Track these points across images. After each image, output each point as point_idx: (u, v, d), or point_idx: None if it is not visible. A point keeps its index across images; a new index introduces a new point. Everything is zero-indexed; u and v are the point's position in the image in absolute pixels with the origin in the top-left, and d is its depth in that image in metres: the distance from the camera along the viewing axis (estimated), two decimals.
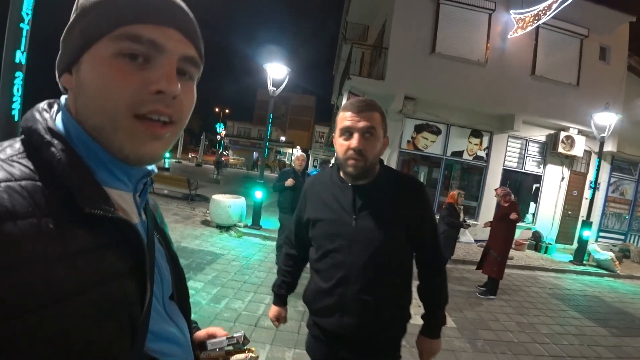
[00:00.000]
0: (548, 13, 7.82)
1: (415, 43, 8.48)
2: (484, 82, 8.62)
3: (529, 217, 9.88)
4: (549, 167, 9.72)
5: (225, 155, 35.17)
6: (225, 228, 7.10)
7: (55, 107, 0.51)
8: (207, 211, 8.09)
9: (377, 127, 1.24)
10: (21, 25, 2.40)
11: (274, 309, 1.64)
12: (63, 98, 0.52)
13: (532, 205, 9.87)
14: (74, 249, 0.40)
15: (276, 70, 7.23)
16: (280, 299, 1.64)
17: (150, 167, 0.56)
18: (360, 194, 1.30)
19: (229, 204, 7.12)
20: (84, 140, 0.47)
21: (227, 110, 45.74)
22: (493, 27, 8.81)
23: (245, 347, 0.80)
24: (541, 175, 9.77)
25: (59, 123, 0.49)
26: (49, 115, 0.48)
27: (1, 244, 0.34)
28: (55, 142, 0.44)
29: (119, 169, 0.50)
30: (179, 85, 0.48)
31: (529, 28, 8.40)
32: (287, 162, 34.64)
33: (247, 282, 4.42)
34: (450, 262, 6.18)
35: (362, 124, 1.22)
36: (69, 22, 0.48)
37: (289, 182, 4.91)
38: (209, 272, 4.61)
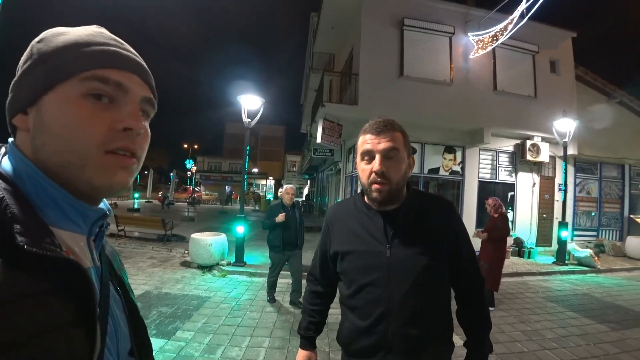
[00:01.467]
0: (505, 33, 8.38)
1: (383, 68, 8.76)
2: (452, 100, 8.98)
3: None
4: (520, 174, 10.11)
5: (197, 191, 34.27)
6: (207, 268, 6.72)
7: (3, 149, 0.50)
8: (186, 251, 7.68)
9: (400, 147, 1.16)
10: None
11: (302, 354, 1.45)
12: (10, 141, 0.51)
13: (510, 212, 10.13)
14: (11, 296, 0.36)
15: (250, 102, 7.16)
16: (309, 342, 1.47)
17: (105, 208, 0.55)
18: (391, 220, 1.20)
19: (209, 242, 6.78)
20: (37, 179, 0.46)
21: (195, 146, 45.06)
22: (454, 49, 9.31)
23: None
24: (514, 184, 10.12)
25: (6, 166, 0.47)
26: None
27: None
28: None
29: (73, 209, 0.49)
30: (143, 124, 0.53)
31: (489, 48, 8.95)
32: (261, 194, 34.20)
33: (240, 325, 4.11)
34: None
35: (383, 145, 1.15)
36: (24, 68, 0.49)
37: (280, 217, 4.63)
38: (198, 318, 4.26)
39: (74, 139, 0.46)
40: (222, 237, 7.05)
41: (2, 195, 0.41)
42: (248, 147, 7.67)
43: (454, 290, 1.30)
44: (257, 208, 26.20)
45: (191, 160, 37.37)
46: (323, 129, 8.59)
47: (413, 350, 1.15)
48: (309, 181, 33.90)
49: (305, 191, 36.46)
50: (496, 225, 5.09)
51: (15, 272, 0.37)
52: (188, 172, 37.63)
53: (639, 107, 11.98)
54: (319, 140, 8.74)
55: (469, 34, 9.37)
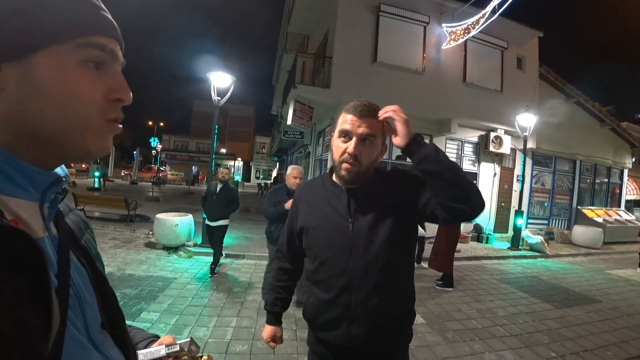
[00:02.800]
0: (476, 27, 8.58)
1: (358, 52, 8.75)
2: (422, 89, 9.16)
3: None
4: (483, 164, 10.58)
5: (162, 171, 33.10)
6: (173, 249, 6.59)
7: None
8: (151, 232, 7.47)
9: (376, 134, 1.22)
10: None
11: (268, 329, 1.50)
12: None
13: None
14: None
15: (220, 79, 6.94)
16: (275, 317, 1.52)
17: (61, 173, 0.51)
18: (354, 196, 1.26)
19: (175, 223, 6.63)
20: None
21: (161, 124, 43.28)
22: (428, 38, 9.44)
23: (198, 355, 0.69)
24: (477, 173, 10.58)
25: None
26: None
27: None
28: None
29: (19, 174, 0.44)
30: None
31: (461, 40, 9.14)
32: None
33: (207, 306, 4.10)
34: None
35: (362, 129, 1.18)
36: (4, 9, 0.41)
37: (290, 204, 3.75)
38: (163, 299, 4.20)
39: (78, 107, 0.46)
40: (188, 218, 6.91)
41: None
42: (217, 127, 7.48)
43: (436, 213, 1.19)
44: None
45: (156, 139, 35.96)
46: (294, 111, 8.51)
47: (376, 320, 1.22)
48: (277, 163, 33.69)
49: (274, 174, 36.24)
50: None
51: None
52: (153, 151, 36.24)
53: (592, 107, 12.83)
54: (289, 122, 8.67)
55: (443, 25, 9.51)
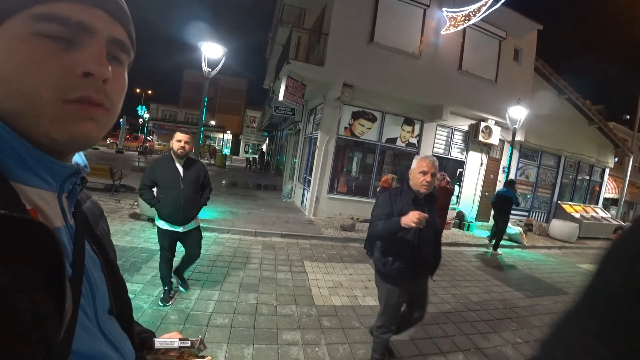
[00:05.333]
0: (477, 15, 8.46)
1: (355, 31, 8.56)
2: (417, 73, 9.08)
3: (453, 198, 10.81)
4: (471, 153, 10.71)
5: (149, 140, 32.47)
6: None
7: None
8: (135, 203, 7.41)
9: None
10: None
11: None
12: None
13: (457, 188, 10.81)
14: None
15: (211, 50, 6.74)
16: None
17: (80, 164, 0.52)
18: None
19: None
20: None
21: (149, 92, 42.02)
22: (427, 22, 9.27)
23: (200, 354, 0.73)
24: (464, 161, 10.73)
25: None
26: None
27: None
28: None
29: (39, 163, 0.44)
30: (110, 69, 0.45)
31: (460, 27, 9.02)
32: (217, 148, 33.18)
33: (190, 279, 4.14)
34: None
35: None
36: None
37: (417, 218, 2.12)
38: (147, 271, 4.22)
39: (23, 84, 0.40)
40: None
41: None
42: (207, 99, 7.33)
43: None
44: (212, 162, 25.49)
45: (144, 107, 35.04)
46: (286, 87, 8.37)
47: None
48: (267, 139, 33.37)
49: (264, 148, 35.96)
50: (439, 196, 5.49)
51: None
52: (140, 120, 35.37)
53: (583, 105, 12.99)
54: (281, 98, 8.54)
55: (444, 9, 9.34)
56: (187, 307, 3.43)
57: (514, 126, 9.34)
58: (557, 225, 11.00)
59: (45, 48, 0.41)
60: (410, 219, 2.09)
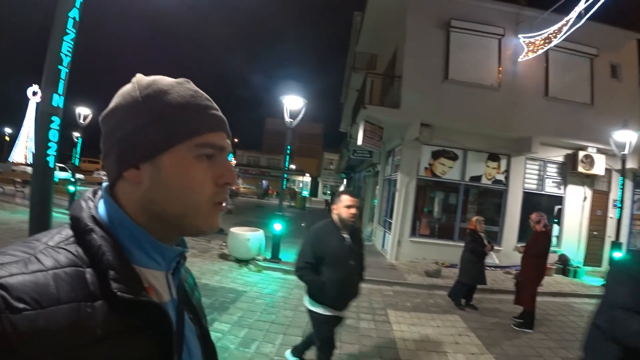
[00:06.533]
0: (559, 36, 7.90)
1: (428, 71, 8.59)
2: (498, 106, 8.63)
3: (553, 239, 9.57)
4: (570, 187, 9.49)
5: (236, 184, 35.30)
6: (244, 262, 6.97)
7: (99, 193, 0.57)
8: (224, 243, 7.99)
9: None
10: (59, 67, 2.23)
11: None
12: (105, 186, 0.57)
13: (556, 227, 9.58)
14: (106, 333, 0.43)
15: (292, 102, 7.32)
16: None
17: (183, 248, 0.63)
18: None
19: (247, 237, 7.03)
20: (127, 226, 0.53)
21: (236, 140, 46.50)
22: (503, 51, 8.92)
23: None
24: (562, 196, 9.53)
25: (102, 211, 0.54)
26: (93, 204, 0.54)
27: (46, 328, 0.39)
28: (97, 229, 0.50)
29: (155, 250, 0.55)
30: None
31: (540, 51, 8.47)
32: (297, 190, 34.61)
33: (275, 323, 4.26)
34: (479, 292, 5.95)
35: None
36: (137, 124, 0.54)
37: None
38: (234, 311, 4.46)
39: (192, 197, 0.54)
40: (259, 233, 7.28)
41: (100, 244, 0.48)
42: (288, 147, 7.84)
43: None
44: (292, 204, 26.63)
45: (231, 154, 38.59)
46: (364, 131, 8.56)
47: None
48: (345, 180, 33.90)
49: (341, 188, 36.40)
50: (536, 242, 4.89)
51: (111, 313, 0.45)
52: None
53: None
54: (359, 142, 8.73)
55: (520, 35, 8.91)
56: (271, 352, 3.50)
57: (622, 152, 8.09)
58: None
59: (203, 166, 0.56)
60: None
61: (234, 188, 29.08)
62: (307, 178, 45.65)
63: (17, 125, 39.03)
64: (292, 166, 45.26)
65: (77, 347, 0.40)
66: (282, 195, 8.46)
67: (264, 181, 42.44)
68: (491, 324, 4.95)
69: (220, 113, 0.61)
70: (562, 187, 9.55)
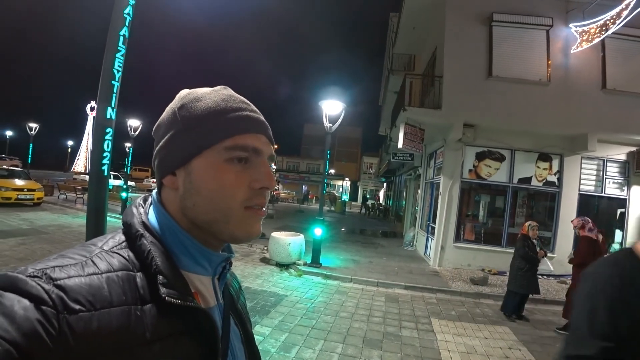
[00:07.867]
0: (618, 21, 7.21)
1: (470, 69, 8.25)
2: (548, 102, 8.06)
3: (615, 246, 8.74)
4: (635, 188, 8.64)
5: (276, 189, 36.10)
6: (284, 266, 7.07)
7: (150, 200, 0.59)
8: (265, 248, 8.15)
9: None
10: (112, 82, 2.42)
11: None
12: (155, 193, 0.59)
13: (618, 232, 8.77)
14: (155, 336, 0.45)
15: (331, 107, 7.35)
16: None
17: (230, 253, 0.63)
18: None
19: (288, 242, 7.13)
20: (176, 232, 0.54)
21: (276, 146, 47.53)
22: (552, 43, 8.33)
23: None
24: (626, 199, 8.69)
25: (152, 217, 0.56)
26: (144, 210, 0.56)
27: (99, 329, 0.40)
28: (147, 234, 0.52)
29: (202, 256, 0.56)
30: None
31: (596, 40, 7.80)
32: (337, 195, 34.68)
33: (315, 328, 4.25)
34: (530, 302, 5.59)
35: None
36: (171, 134, 0.56)
37: None
38: (275, 315, 4.52)
39: (221, 201, 0.53)
40: (300, 238, 7.35)
41: (149, 249, 0.50)
42: (328, 151, 7.87)
43: None
44: (332, 209, 26.68)
45: (273, 157, 39.65)
46: (405, 133, 8.39)
47: None
48: (385, 184, 33.46)
49: (381, 194, 36.04)
50: (579, 249, 4.55)
51: (160, 316, 0.46)
52: None
53: None
54: (400, 145, 8.56)
55: (571, 25, 8.27)
56: (311, 357, 3.49)
57: None
58: None
59: (235, 169, 0.54)
60: None
61: (274, 193, 29.81)
62: (346, 182, 45.55)
63: (79, 139, 43.22)
64: (332, 171, 45.43)
65: (127, 349, 0.42)
66: (322, 200, 8.49)
67: (303, 186, 42.95)
68: (545, 338, 4.60)
69: (257, 115, 0.60)
70: (625, 188, 8.72)
